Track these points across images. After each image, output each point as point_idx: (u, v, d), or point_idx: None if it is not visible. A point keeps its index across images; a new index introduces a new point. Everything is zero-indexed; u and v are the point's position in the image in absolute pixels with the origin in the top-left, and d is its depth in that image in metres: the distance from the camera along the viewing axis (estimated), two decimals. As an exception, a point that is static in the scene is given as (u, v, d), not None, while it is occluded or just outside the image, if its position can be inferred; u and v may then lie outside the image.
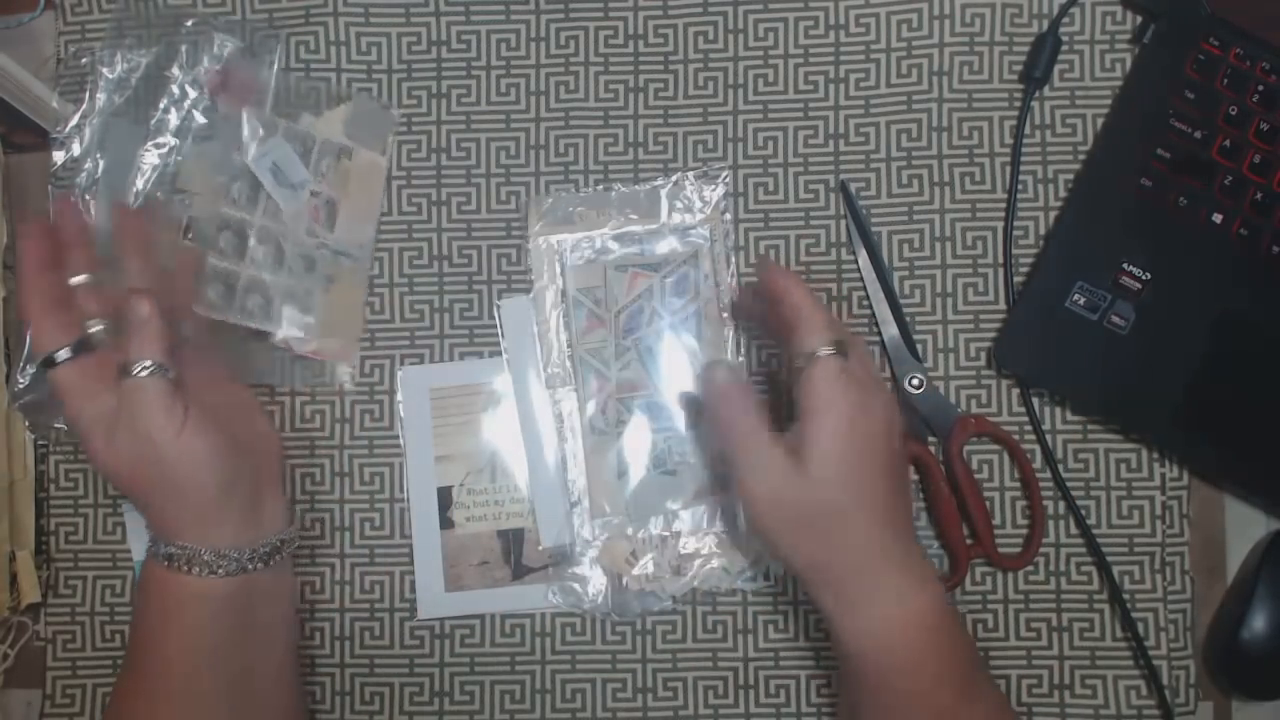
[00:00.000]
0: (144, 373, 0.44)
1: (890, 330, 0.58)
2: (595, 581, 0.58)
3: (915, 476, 0.58)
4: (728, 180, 0.59)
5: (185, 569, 0.46)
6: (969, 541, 0.57)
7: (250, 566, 0.47)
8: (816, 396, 0.47)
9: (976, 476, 0.58)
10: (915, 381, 0.57)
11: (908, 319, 0.58)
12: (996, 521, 0.58)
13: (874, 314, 0.58)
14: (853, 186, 0.59)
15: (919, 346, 0.58)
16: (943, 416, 0.57)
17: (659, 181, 0.59)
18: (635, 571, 0.57)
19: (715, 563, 0.57)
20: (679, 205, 0.59)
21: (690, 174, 0.59)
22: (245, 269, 0.59)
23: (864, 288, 0.58)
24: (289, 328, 0.59)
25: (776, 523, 0.47)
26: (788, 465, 0.47)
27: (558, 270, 0.59)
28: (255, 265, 0.59)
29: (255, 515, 0.48)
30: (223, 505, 0.46)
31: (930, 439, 0.58)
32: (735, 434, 0.48)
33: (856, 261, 0.58)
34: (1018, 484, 0.58)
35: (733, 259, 0.59)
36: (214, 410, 0.47)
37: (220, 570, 0.46)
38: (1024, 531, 0.58)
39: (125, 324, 0.46)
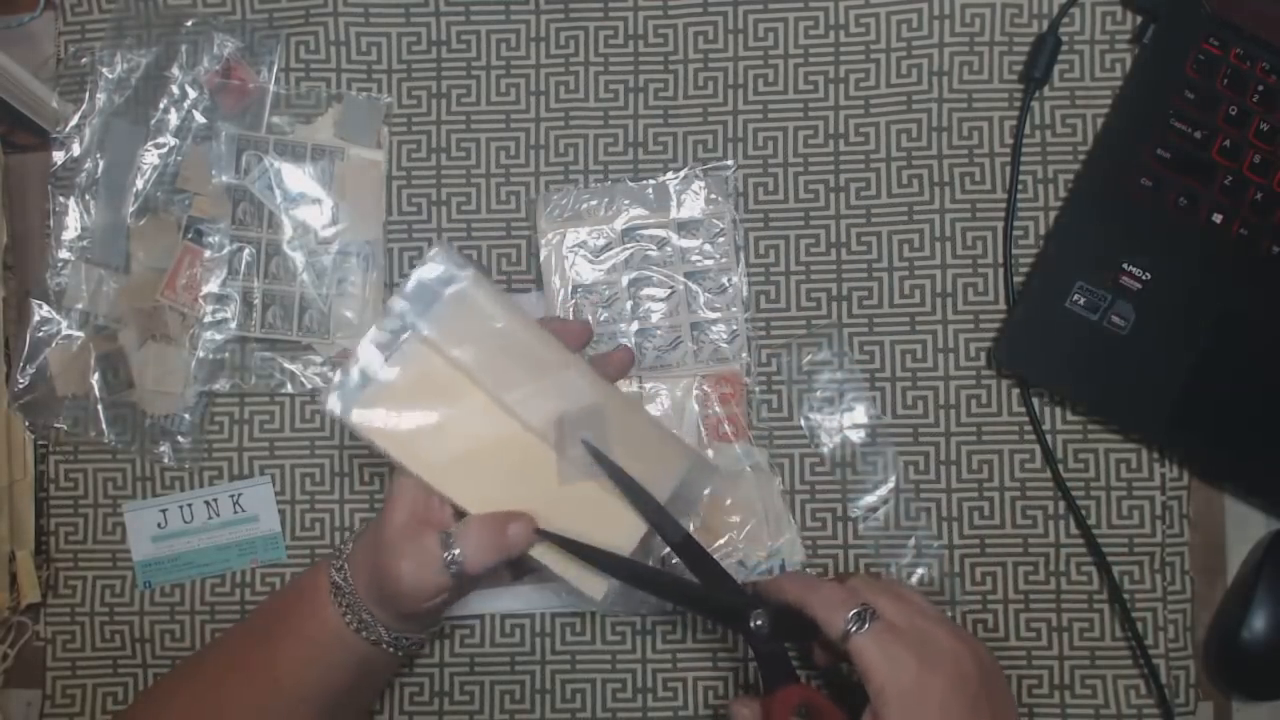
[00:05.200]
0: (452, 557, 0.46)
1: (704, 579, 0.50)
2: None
3: None
4: (735, 176, 0.59)
5: (359, 629, 0.48)
6: None
7: (392, 648, 0.49)
8: (869, 677, 0.44)
9: (966, 477, 0.58)
10: (759, 622, 0.47)
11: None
12: (996, 521, 0.58)
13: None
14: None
15: (918, 348, 0.58)
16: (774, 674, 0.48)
17: (669, 176, 0.59)
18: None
19: (732, 558, 0.57)
20: (688, 199, 0.59)
21: (700, 168, 0.59)
22: (261, 285, 0.59)
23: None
24: (310, 335, 0.59)
25: None
26: None
27: (567, 266, 0.59)
28: (270, 280, 0.59)
29: (420, 621, 0.50)
30: (419, 616, 0.49)
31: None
32: None
33: None
34: (1018, 484, 0.58)
35: (740, 255, 0.59)
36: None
37: (374, 637, 0.48)
38: (1023, 532, 0.58)
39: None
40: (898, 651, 0.44)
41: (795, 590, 0.47)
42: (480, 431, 0.46)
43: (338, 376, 0.45)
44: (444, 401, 0.46)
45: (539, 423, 0.46)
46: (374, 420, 0.45)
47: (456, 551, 0.45)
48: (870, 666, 0.44)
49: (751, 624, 0.47)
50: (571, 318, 0.58)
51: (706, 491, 0.53)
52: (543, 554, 0.47)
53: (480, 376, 0.46)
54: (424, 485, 0.46)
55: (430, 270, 0.46)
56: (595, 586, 0.47)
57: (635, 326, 0.59)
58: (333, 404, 0.45)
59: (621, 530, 0.47)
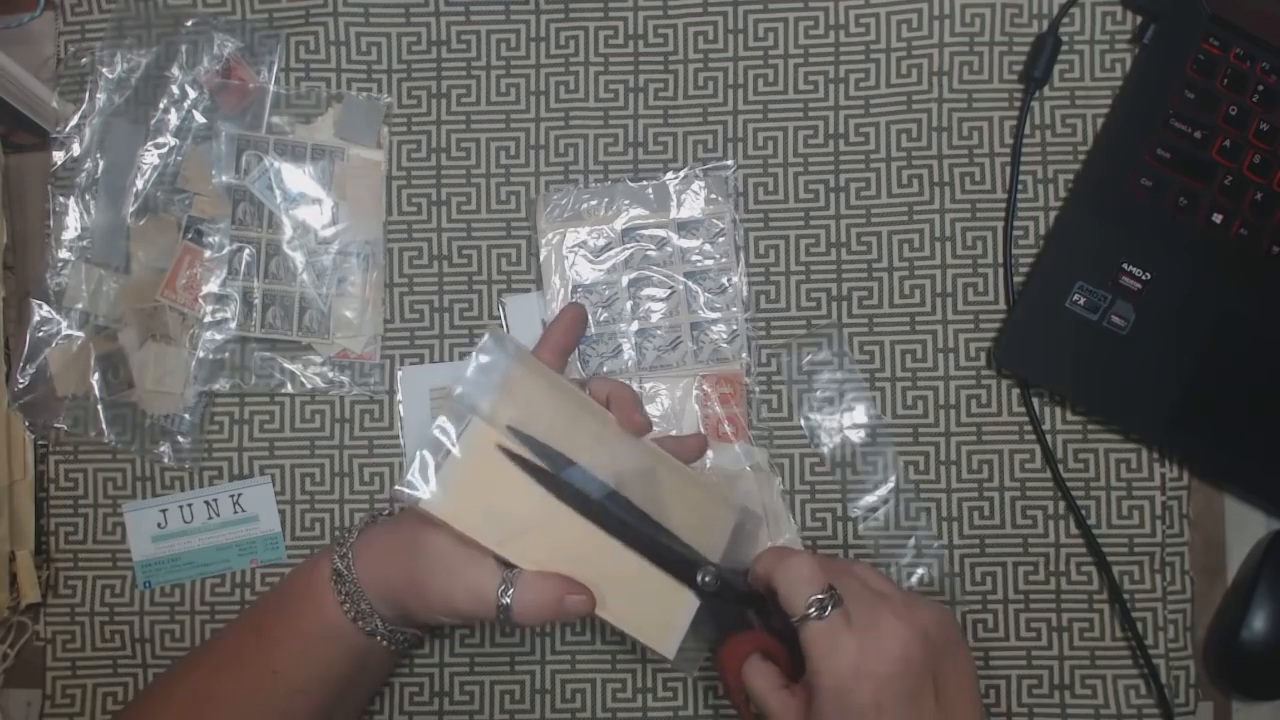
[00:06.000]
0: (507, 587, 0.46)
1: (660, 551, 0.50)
2: None
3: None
4: (735, 176, 0.59)
5: (356, 619, 0.48)
6: None
7: (387, 641, 0.49)
8: (809, 659, 0.44)
9: (966, 477, 0.58)
10: (708, 579, 0.49)
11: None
12: (996, 521, 0.58)
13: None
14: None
15: (918, 348, 0.58)
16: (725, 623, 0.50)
17: (669, 176, 0.59)
18: None
19: None
20: (688, 199, 0.59)
21: (699, 168, 0.59)
22: (261, 285, 0.59)
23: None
24: (310, 335, 0.59)
25: None
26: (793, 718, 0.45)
27: (567, 266, 0.59)
28: (270, 280, 0.59)
29: (423, 617, 0.51)
30: (425, 609, 0.48)
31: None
32: (752, 692, 0.46)
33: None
34: (1018, 484, 0.58)
35: (740, 255, 0.59)
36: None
37: (370, 628, 0.49)
38: (1023, 532, 0.58)
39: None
40: (844, 643, 0.43)
41: (766, 564, 0.47)
42: (543, 503, 0.47)
43: (416, 463, 0.46)
44: (509, 479, 0.47)
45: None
46: (447, 504, 0.46)
47: (511, 595, 0.45)
48: (813, 655, 0.44)
49: (699, 579, 0.48)
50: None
51: (759, 538, 0.55)
52: (610, 615, 0.48)
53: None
54: (497, 556, 0.47)
55: (483, 359, 0.48)
56: (666, 643, 0.48)
57: (635, 326, 0.59)
58: (408, 491, 0.46)
59: (681, 597, 0.49)
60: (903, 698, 0.43)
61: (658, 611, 0.48)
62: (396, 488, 0.46)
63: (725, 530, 0.50)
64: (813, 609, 0.44)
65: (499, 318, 0.60)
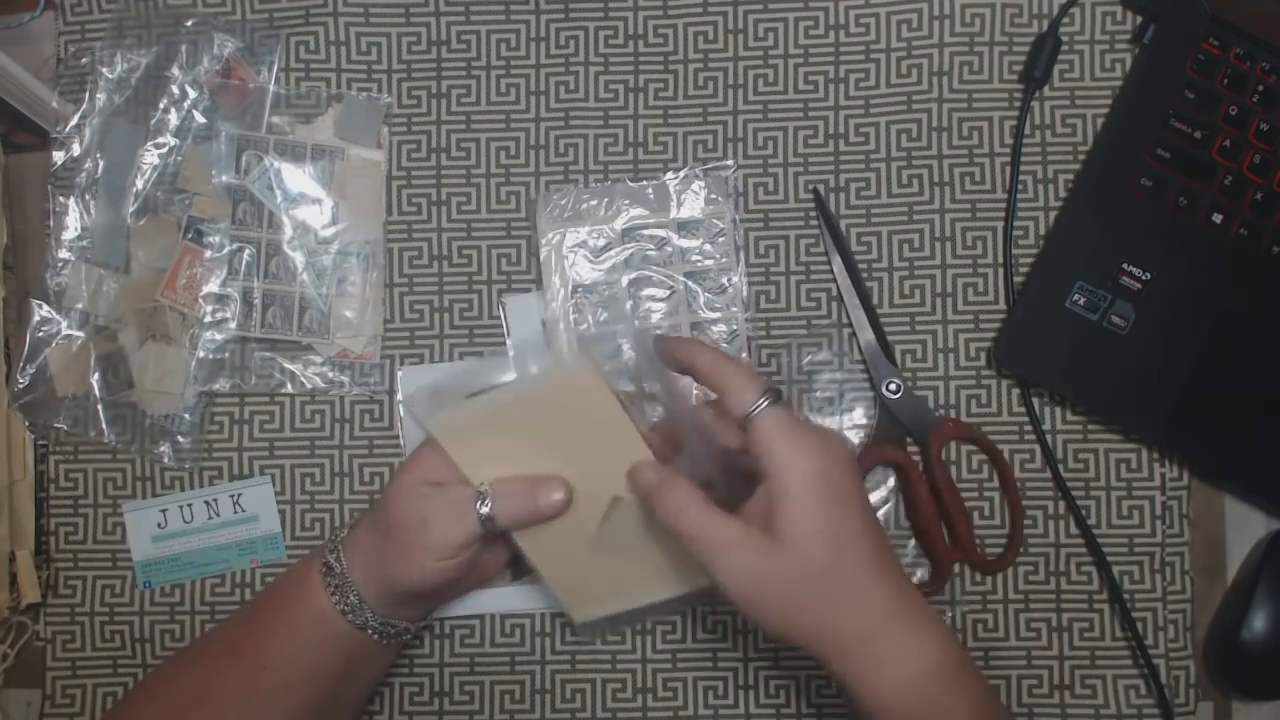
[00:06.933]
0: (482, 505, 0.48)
1: (866, 336, 0.58)
2: None
3: (892, 482, 0.58)
4: (735, 176, 0.59)
5: (346, 611, 0.49)
6: (949, 546, 0.57)
7: (378, 634, 0.50)
8: (772, 456, 0.43)
9: (966, 477, 0.58)
10: (893, 386, 0.57)
11: (883, 324, 0.58)
12: (996, 521, 0.58)
13: (850, 320, 0.58)
14: (823, 189, 0.59)
15: (918, 348, 0.58)
16: (920, 421, 0.57)
17: (669, 176, 0.59)
18: None
19: None
20: (688, 199, 0.59)
21: (699, 168, 0.59)
22: (261, 285, 0.59)
23: (839, 294, 0.58)
24: (310, 335, 0.59)
25: (764, 603, 0.43)
26: (758, 542, 0.43)
27: (567, 266, 0.59)
28: (270, 280, 0.59)
29: (414, 605, 0.52)
30: (417, 592, 0.49)
31: (910, 446, 0.57)
32: (688, 529, 0.44)
33: (830, 267, 0.58)
34: (1018, 484, 0.58)
35: (740, 255, 0.59)
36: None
37: (360, 622, 0.49)
38: (1024, 532, 0.58)
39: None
40: (801, 433, 0.44)
41: (709, 363, 0.46)
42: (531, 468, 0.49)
43: (429, 386, 0.49)
44: (518, 444, 0.49)
45: (595, 495, 0.49)
46: (451, 429, 0.49)
47: (489, 503, 0.48)
48: (778, 441, 0.43)
49: (884, 388, 0.57)
50: (571, 317, 0.58)
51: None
52: (541, 563, 0.50)
53: (561, 450, 0.49)
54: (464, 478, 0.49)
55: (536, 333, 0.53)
56: (582, 610, 0.51)
57: (635, 326, 0.59)
58: (420, 407, 0.49)
59: (635, 597, 0.52)
60: (858, 488, 0.44)
61: (597, 587, 0.51)
62: (407, 395, 0.49)
63: (680, 587, 0.51)
64: (764, 400, 0.44)
65: (499, 318, 0.60)
